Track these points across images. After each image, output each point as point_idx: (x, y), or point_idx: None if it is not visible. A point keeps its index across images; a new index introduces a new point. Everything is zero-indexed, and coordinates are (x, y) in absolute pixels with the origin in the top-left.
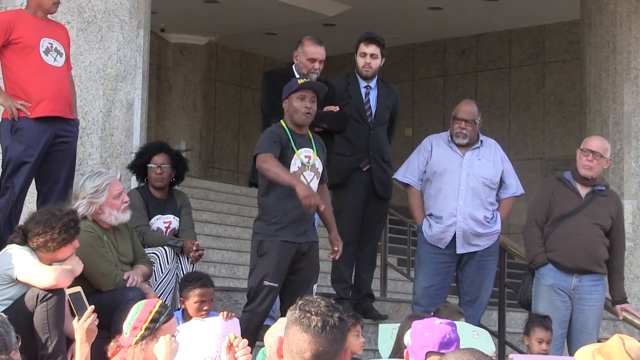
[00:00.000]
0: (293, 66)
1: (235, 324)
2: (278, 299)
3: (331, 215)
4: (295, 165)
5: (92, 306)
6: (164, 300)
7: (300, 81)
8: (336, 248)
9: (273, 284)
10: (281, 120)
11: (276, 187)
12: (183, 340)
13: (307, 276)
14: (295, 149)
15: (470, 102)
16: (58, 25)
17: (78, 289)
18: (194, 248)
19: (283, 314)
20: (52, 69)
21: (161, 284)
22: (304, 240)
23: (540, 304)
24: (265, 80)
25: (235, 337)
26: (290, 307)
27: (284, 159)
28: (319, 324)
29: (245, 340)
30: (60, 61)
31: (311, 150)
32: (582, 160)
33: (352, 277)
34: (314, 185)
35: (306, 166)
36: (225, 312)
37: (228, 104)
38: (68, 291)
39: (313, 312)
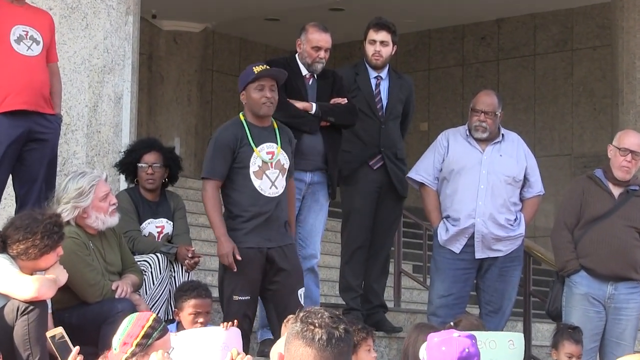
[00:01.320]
0: (296, 55)
1: (236, 334)
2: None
3: (292, 211)
4: (255, 164)
5: (77, 347)
6: (156, 313)
7: (256, 69)
8: None
9: (243, 298)
10: (240, 114)
11: (234, 189)
12: (182, 349)
13: (288, 284)
14: (254, 146)
15: (490, 93)
16: (39, 12)
17: (59, 330)
18: (189, 255)
19: (272, 329)
20: (23, 58)
21: (153, 295)
22: (274, 245)
23: (573, 315)
24: None
25: (239, 353)
26: (288, 319)
27: (242, 158)
28: (324, 337)
29: (250, 357)
30: (36, 50)
31: (274, 144)
32: (620, 161)
33: (362, 286)
34: (280, 183)
35: (268, 163)
36: (226, 323)
37: (226, 97)
38: (48, 334)
39: (317, 324)
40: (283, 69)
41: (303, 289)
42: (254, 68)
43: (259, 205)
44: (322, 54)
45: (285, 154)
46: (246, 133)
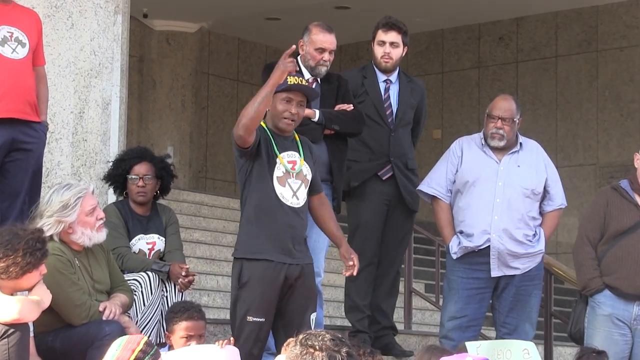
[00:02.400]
0: (299, 57)
1: (233, 353)
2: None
3: (337, 227)
4: (279, 170)
5: None
6: (147, 335)
7: (290, 80)
8: (351, 262)
9: (258, 319)
10: (262, 121)
11: (256, 192)
12: None
13: (301, 305)
14: (277, 152)
15: (507, 98)
16: (26, 11)
17: None
18: (183, 273)
19: (278, 351)
20: (8, 61)
21: (144, 317)
22: (293, 262)
23: (596, 338)
24: (265, 74)
25: None
26: (289, 342)
27: (266, 163)
28: None
29: None
30: (21, 53)
31: (297, 154)
32: None
33: (370, 306)
34: (302, 194)
35: (291, 173)
36: (221, 341)
37: (223, 102)
38: None
39: (317, 347)
40: (314, 89)
41: (315, 313)
42: (288, 78)
43: (281, 213)
44: (326, 56)
45: (307, 166)
46: (270, 138)
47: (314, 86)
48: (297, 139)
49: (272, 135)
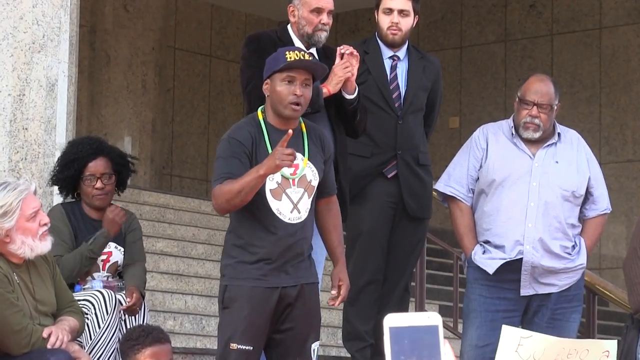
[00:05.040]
0: (288, 26)
1: None
2: None
3: (339, 242)
4: (273, 180)
5: None
6: None
7: (290, 56)
8: (334, 292)
9: (244, 347)
10: (259, 110)
11: (246, 211)
12: None
13: (300, 333)
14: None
15: (544, 79)
16: None
17: None
18: (114, 216)
19: None
20: None
21: (99, 343)
22: (290, 283)
23: None
24: (248, 48)
25: None
26: None
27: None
28: None
29: None
30: None
31: (300, 155)
32: None
33: (373, 333)
34: (304, 206)
35: (290, 180)
36: None
37: (193, 83)
38: None
39: None
40: (321, 65)
41: (318, 343)
42: (287, 53)
43: (278, 233)
44: (324, 18)
45: (313, 168)
46: (264, 137)
47: None
48: (304, 129)
49: (269, 133)
